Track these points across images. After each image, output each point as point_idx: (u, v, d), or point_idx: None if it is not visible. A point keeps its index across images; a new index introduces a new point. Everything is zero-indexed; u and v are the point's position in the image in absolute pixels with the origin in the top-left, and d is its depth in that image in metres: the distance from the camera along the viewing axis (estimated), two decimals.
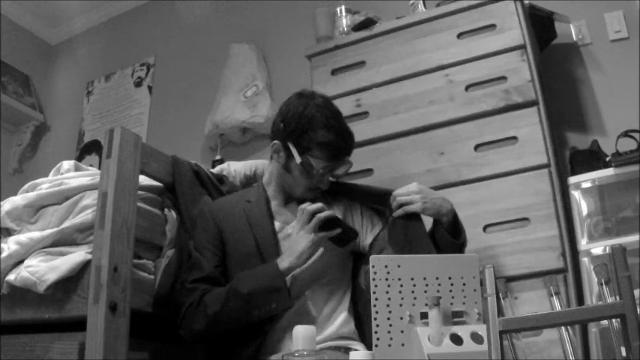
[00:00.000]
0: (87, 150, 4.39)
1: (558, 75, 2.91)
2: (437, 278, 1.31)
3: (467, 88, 2.47)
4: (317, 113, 1.96)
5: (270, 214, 2.02)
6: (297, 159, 1.96)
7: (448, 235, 1.91)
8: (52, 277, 1.84)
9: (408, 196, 1.92)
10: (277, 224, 2.01)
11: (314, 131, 1.95)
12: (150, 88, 4.27)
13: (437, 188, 2.36)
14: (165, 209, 2.16)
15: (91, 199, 1.99)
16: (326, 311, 1.90)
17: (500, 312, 1.19)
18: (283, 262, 1.81)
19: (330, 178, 2.09)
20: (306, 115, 1.96)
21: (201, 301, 1.84)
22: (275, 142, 2.03)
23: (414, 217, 1.94)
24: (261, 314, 1.79)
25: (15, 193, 2.19)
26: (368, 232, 2.06)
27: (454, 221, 1.96)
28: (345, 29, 2.88)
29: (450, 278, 1.31)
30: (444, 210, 1.93)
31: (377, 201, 2.10)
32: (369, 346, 1.71)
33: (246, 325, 1.81)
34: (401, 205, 1.93)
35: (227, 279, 1.92)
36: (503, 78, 2.41)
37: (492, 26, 2.50)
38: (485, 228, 2.27)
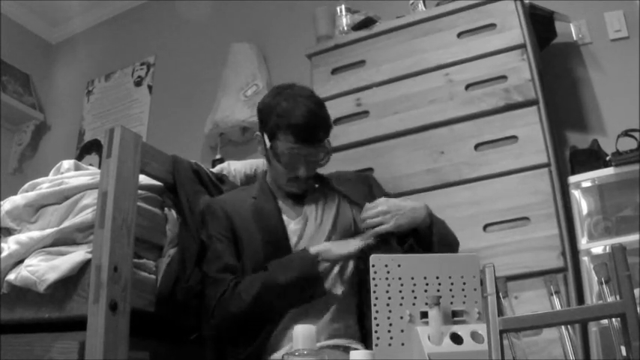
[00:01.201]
0: (87, 149, 4.39)
1: (558, 74, 2.91)
2: (437, 277, 1.31)
3: (467, 87, 2.47)
4: (284, 100, 1.94)
5: (278, 209, 2.02)
6: (267, 145, 1.96)
7: (433, 238, 1.88)
8: (52, 276, 1.84)
9: (377, 217, 1.87)
10: (285, 218, 2.00)
11: (279, 116, 1.92)
12: (150, 87, 4.27)
13: (437, 187, 2.37)
14: (166, 208, 2.16)
15: (91, 198, 1.99)
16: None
17: (500, 311, 1.19)
18: (315, 249, 1.84)
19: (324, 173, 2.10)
20: (274, 103, 1.95)
21: (235, 289, 1.84)
22: (256, 133, 2.05)
23: (390, 236, 1.89)
24: (297, 303, 1.82)
25: (15, 193, 2.19)
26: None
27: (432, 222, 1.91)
28: (345, 28, 2.88)
29: (450, 277, 1.31)
30: (418, 219, 1.88)
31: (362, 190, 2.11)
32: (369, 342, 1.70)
33: (279, 314, 1.84)
34: (373, 227, 1.87)
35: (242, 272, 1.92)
36: (503, 77, 2.41)
37: (492, 25, 2.50)
38: (485, 227, 2.27)
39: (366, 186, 2.15)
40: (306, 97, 1.97)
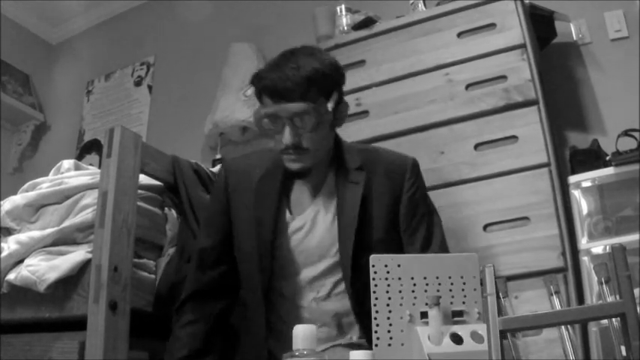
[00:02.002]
0: (87, 149, 4.39)
1: (558, 74, 2.90)
2: (437, 277, 1.31)
3: (467, 87, 2.47)
4: (269, 62, 1.78)
5: (278, 195, 1.82)
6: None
7: None
8: (52, 276, 1.85)
9: None
10: (288, 214, 1.82)
11: (258, 78, 1.74)
12: (150, 87, 4.27)
13: (437, 187, 2.37)
14: (166, 208, 2.17)
15: (91, 198, 2.00)
16: None
17: (500, 311, 1.19)
18: None
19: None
20: (261, 67, 1.83)
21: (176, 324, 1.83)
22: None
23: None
24: None
25: (15, 193, 2.20)
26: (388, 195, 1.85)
27: None
28: (345, 28, 2.88)
29: (450, 277, 1.31)
30: None
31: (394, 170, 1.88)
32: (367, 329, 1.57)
33: None
34: None
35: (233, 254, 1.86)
36: (503, 77, 2.41)
37: (492, 25, 2.50)
38: (485, 227, 2.27)
39: (398, 176, 1.87)
40: (290, 53, 1.75)
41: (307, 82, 1.67)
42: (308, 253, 1.79)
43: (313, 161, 1.77)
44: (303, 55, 1.73)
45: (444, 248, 1.84)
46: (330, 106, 1.72)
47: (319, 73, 1.70)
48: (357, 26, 2.82)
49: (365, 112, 2.63)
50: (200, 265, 1.88)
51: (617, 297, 1.16)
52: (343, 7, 2.94)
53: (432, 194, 2.37)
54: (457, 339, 1.23)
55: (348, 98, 2.66)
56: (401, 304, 1.28)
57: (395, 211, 1.83)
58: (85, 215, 1.97)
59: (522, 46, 2.42)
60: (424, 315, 1.27)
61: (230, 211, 1.87)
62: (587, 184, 2.26)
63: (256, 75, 1.75)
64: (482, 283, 1.25)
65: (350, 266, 1.72)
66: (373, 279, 1.29)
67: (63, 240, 1.97)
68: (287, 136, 1.68)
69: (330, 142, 1.83)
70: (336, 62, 1.80)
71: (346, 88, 2.69)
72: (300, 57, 1.71)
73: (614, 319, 1.87)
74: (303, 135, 1.70)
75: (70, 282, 1.88)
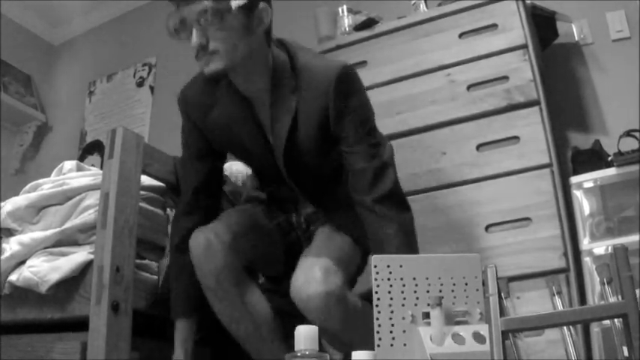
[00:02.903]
0: (89, 150, 4.40)
1: (560, 75, 2.90)
2: (439, 278, 1.31)
3: (469, 87, 2.47)
4: None
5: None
6: None
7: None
8: (54, 277, 1.85)
9: None
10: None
11: None
12: (152, 88, 4.27)
13: (439, 188, 2.37)
14: (168, 209, 2.17)
15: (93, 199, 1.99)
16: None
17: (502, 312, 1.19)
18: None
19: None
20: None
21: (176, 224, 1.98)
22: None
23: None
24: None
25: (17, 194, 2.20)
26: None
27: None
28: (347, 29, 2.88)
29: (452, 278, 1.31)
30: None
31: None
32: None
33: None
34: None
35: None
36: (504, 78, 2.41)
37: (494, 26, 2.50)
38: (487, 228, 2.27)
39: (323, 94, 1.81)
40: None
41: None
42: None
43: (226, 64, 1.75)
44: None
45: (395, 190, 1.82)
46: (234, 4, 1.72)
47: None
48: (358, 27, 2.82)
49: None
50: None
51: (619, 297, 1.16)
52: (345, 7, 2.94)
53: (434, 195, 2.38)
54: (459, 339, 1.23)
55: None
56: (403, 305, 1.28)
57: (326, 135, 1.84)
58: (87, 216, 1.97)
59: (524, 46, 2.42)
60: (426, 315, 1.27)
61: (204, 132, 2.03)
62: (589, 184, 2.26)
63: None
64: (484, 283, 1.25)
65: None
66: (375, 279, 1.29)
67: (65, 241, 1.97)
68: (194, 38, 1.70)
69: (248, 48, 1.80)
70: None
71: None
72: None
73: (616, 320, 1.87)
74: (210, 35, 1.71)
75: (72, 283, 1.88)
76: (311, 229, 2.04)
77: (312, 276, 1.68)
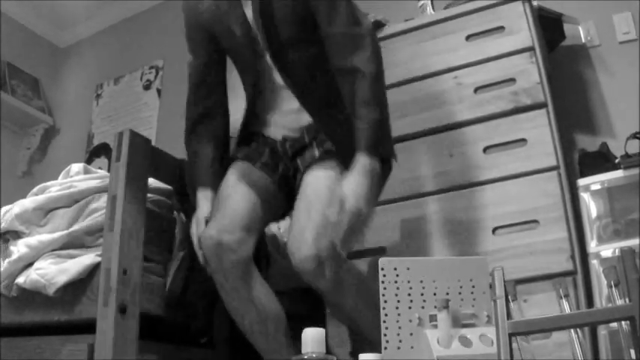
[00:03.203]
0: (96, 153, 4.41)
1: (567, 77, 2.90)
2: (446, 280, 1.31)
3: (476, 90, 2.46)
4: None
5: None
6: None
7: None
8: (61, 279, 1.85)
9: None
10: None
11: None
12: (159, 91, 4.28)
13: (446, 191, 2.37)
14: (175, 212, 2.17)
15: (100, 201, 2.00)
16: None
17: (509, 314, 1.19)
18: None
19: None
20: None
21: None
22: None
23: None
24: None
25: (24, 196, 2.20)
26: None
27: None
28: None
29: (459, 281, 1.31)
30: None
31: None
32: None
33: None
34: None
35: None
36: (511, 80, 2.41)
37: (501, 28, 2.50)
38: (494, 230, 2.27)
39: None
40: None
41: None
42: None
43: None
44: None
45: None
46: None
47: None
48: None
49: None
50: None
51: (627, 300, 1.16)
52: None
53: (440, 197, 2.38)
54: (466, 342, 1.23)
55: None
56: (410, 307, 1.28)
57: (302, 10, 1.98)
58: (95, 219, 1.98)
59: (531, 48, 2.42)
60: (433, 318, 1.27)
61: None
62: (596, 187, 2.25)
63: None
64: (491, 286, 1.24)
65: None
66: (382, 282, 1.30)
67: (72, 243, 1.98)
68: None
69: None
70: None
71: None
72: None
73: (623, 323, 1.86)
74: None
75: (80, 285, 1.88)
76: (298, 162, 2.04)
77: (304, 240, 1.74)
